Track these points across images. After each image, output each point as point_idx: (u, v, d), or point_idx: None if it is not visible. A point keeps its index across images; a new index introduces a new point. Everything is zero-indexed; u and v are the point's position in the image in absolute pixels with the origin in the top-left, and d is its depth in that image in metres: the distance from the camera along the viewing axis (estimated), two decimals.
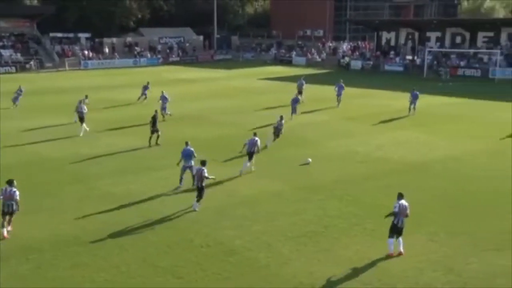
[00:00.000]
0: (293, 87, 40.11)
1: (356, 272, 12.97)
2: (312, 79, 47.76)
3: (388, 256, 13.66)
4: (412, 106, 33.04)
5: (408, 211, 13.77)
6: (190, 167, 18.89)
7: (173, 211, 16.85)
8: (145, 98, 38.37)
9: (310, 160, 22.61)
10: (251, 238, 14.92)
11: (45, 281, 12.61)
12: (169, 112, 31.92)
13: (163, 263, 13.44)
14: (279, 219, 16.30)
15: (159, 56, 74.57)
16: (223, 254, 13.92)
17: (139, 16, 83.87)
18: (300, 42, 79.98)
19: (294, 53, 74.10)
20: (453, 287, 12.27)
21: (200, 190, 16.95)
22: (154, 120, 25.25)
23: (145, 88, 38.86)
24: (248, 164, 20.97)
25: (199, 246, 14.35)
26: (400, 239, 13.82)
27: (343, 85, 37.06)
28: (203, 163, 17.10)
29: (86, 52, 70.44)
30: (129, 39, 78.38)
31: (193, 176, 17.02)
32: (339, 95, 36.43)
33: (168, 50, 77.13)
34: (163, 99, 32.44)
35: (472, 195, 18.37)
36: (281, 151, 24.46)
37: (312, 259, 13.67)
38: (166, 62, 73.03)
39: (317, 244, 14.49)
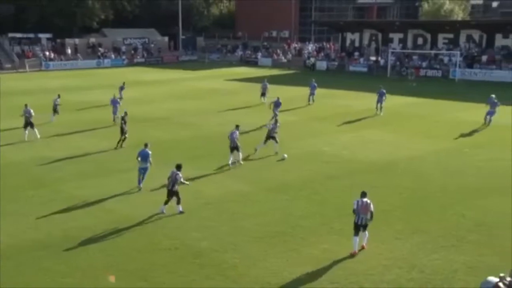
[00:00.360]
0: (259, 88, 40.22)
1: (323, 271, 13.10)
2: (278, 80, 48.06)
3: (352, 255, 13.84)
4: (379, 105, 33.66)
5: (370, 209, 13.83)
6: (145, 170, 19.05)
7: (139, 214, 16.71)
8: (121, 99, 37.94)
9: (286, 156, 23.03)
10: (218, 239, 14.92)
11: (10, 287, 12.35)
12: (119, 116, 29.73)
13: (130, 266, 13.32)
14: (246, 219, 16.34)
15: (123, 57, 73.72)
16: (190, 256, 13.87)
17: (102, 16, 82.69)
18: (265, 43, 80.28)
19: (260, 54, 74.35)
20: (416, 284, 12.51)
21: (172, 194, 16.64)
22: (123, 122, 25.22)
23: (121, 88, 38.76)
24: (232, 157, 22.01)
25: (166, 249, 14.28)
26: (366, 232, 14.05)
27: (316, 84, 38.13)
28: (178, 167, 16.83)
29: (47, 53, 69.01)
30: (92, 40, 77.20)
31: (168, 178, 16.81)
32: (312, 94, 37.59)
33: (132, 51, 76.30)
34: (114, 102, 31.18)
35: (434, 193, 18.78)
36: (247, 152, 24.49)
37: (280, 259, 13.75)
38: (131, 63, 72.26)
39: (284, 244, 14.58)
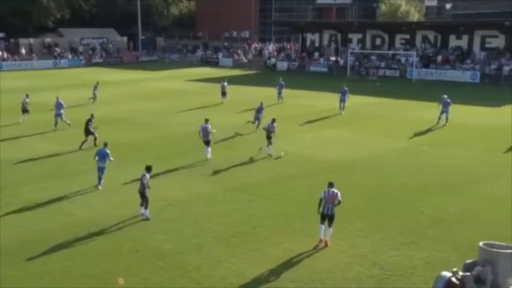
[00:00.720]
0: (219, 88, 40.20)
1: (285, 270, 13.17)
2: (240, 81, 48.10)
3: (320, 242, 14.24)
4: (342, 104, 34.17)
5: (338, 198, 14.21)
6: (103, 168, 19.06)
7: (100, 217, 16.44)
8: (94, 98, 38.04)
9: (283, 153, 23.40)
10: (181, 241, 14.82)
11: None
12: (67, 121, 29.16)
13: (91, 271, 13.08)
14: (209, 220, 16.29)
15: (81, 57, 72.36)
16: (153, 259, 13.73)
17: (58, 16, 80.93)
18: (226, 44, 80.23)
19: (220, 54, 74.22)
20: (376, 281, 12.72)
21: (142, 197, 16.32)
22: (87, 124, 24.99)
23: (95, 88, 38.38)
24: (209, 151, 22.71)
25: (128, 252, 14.08)
26: (330, 229, 14.34)
27: (283, 83, 38.91)
28: (147, 169, 16.47)
29: (0, 53, 67.08)
30: (48, 39, 75.44)
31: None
32: (280, 93, 38.37)
33: (90, 52, 75.01)
34: (58, 105, 29.52)
35: (393, 191, 19.14)
36: (210, 152, 24.42)
37: (242, 259, 13.76)
38: (89, 63, 71.00)
39: (247, 244, 14.60)
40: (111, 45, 78.89)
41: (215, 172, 21.48)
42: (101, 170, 19.10)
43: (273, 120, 23.92)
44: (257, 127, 27.45)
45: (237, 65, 68.33)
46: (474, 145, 25.61)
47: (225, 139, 26.79)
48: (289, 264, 13.51)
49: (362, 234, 15.27)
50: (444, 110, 30.22)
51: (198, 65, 70.85)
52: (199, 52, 77.69)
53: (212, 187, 19.55)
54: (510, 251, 9.83)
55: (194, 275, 12.94)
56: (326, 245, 14.35)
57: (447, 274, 10.00)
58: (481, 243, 10.10)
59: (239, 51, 73.85)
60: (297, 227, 15.76)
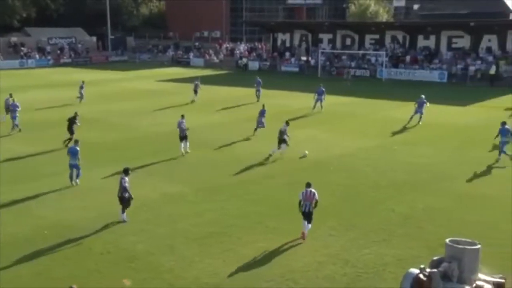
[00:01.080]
0: (191, 88, 40.05)
1: (259, 270, 13.19)
2: (212, 81, 47.91)
3: (302, 234, 14.82)
4: (319, 103, 34.64)
5: (315, 197, 14.82)
6: (76, 166, 19.24)
7: (70, 219, 16.19)
8: (81, 98, 38.00)
9: (307, 152, 23.43)
10: (154, 242, 14.70)
11: None
12: (17, 125, 28.22)
13: (61, 273, 12.85)
14: (181, 221, 16.19)
15: (49, 57, 71.00)
16: (125, 260, 13.58)
17: (24, 15, 79.26)
18: (197, 43, 79.86)
19: (191, 54, 73.80)
20: (349, 279, 12.84)
21: (122, 200, 15.95)
22: (70, 123, 25.32)
23: (81, 87, 38.25)
24: (182, 146, 23.48)
25: (98, 254, 13.89)
26: (309, 225, 14.83)
27: (260, 80, 39.36)
28: (125, 171, 16.18)
29: None
30: (13, 39, 73.82)
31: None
32: (258, 91, 38.60)
33: (58, 51, 73.69)
34: (14, 106, 28.70)
35: (365, 189, 19.33)
36: (188, 147, 24.31)
37: (216, 259, 13.72)
38: (57, 63, 69.72)
39: (220, 245, 14.57)
40: (79, 45, 77.71)
41: (187, 173, 21.37)
42: (74, 167, 19.32)
43: (287, 123, 24.06)
44: (255, 130, 26.93)
45: (208, 65, 68.06)
46: (442, 144, 26.05)
47: (197, 138, 26.62)
48: (263, 263, 13.53)
49: (335, 233, 15.38)
50: (418, 111, 30.61)
51: (169, 65, 70.31)
52: (170, 52, 77.13)
53: (184, 188, 19.43)
54: (475, 247, 10.01)
55: (167, 276, 12.85)
56: (303, 235, 14.86)
57: (415, 271, 10.13)
58: (447, 240, 10.28)
59: (210, 51, 73.59)
60: (271, 226, 15.79)
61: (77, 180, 19.50)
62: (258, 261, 13.64)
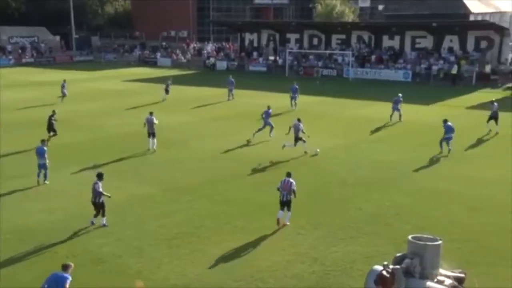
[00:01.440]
0: (159, 88, 39.79)
1: (228, 270, 13.18)
2: (179, 81, 47.60)
3: (277, 222, 15.59)
4: (293, 101, 35.30)
5: (293, 187, 15.56)
6: (44, 166, 19.19)
7: (34, 222, 15.86)
8: (63, 97, 37.70)
9: (318, 150, 23.70)
10: (121, 244, 14.53)
11: None
12: None
13: (25, 278, 12.58)
14: (149, 222, 16.05)
15: (10, 57, 69.31)
16: (92, 263, 13.41)
17: None
18: (164, 43, 79.15)
19: (158, 54, 73.13)
20: (317, 277, 12.94)
21: (95, 205, 15.55)
22: (50, 121, 25.47)
23: (63, 86, 38.06)
24: (150, 142, 24.02)
25: (64, 257, 13.58)
26: (289, 213, 15.65)
27: (233, 80, 39.64)
28: (99, 176, 15.79)
29: None
30: None
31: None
32: (230, 90, 39.12)
33: (20, 51, 72.01)
34: None
35: (334, 188, 19.52)
36: (148, 153, 24.09)
37: (185, 260, 13.65)
38: (19, 63, 68.12)
39: (189, 245, 14.49)
40: (42, 45, 76.09)
41: (155, 173, 21.19)
42: (42, 167, 19.25)
43: (299, 120, 24.23)
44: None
45: (175, 65, 67.55)
46: (408, 142, 26.51)
47: (165, 138, 26.41)
48: (232, 263, 13.53)
49: (303, 231, 15.47)
50: (394, 108, 31.10)
51: (135, 65, 69.49)
52: (137, 52, 76.24)
53: (152, 188, 19.26)
54: (436, 243, 10.19)
55: (135, 279, 12.70)
56: (284, 225, 15.58)
57: (378, 267, 10.27)
58: (409, 237, 10.46)
59: (178, 51, 73.05)
60: (239, 226, 15.80)
61: (46, 181, 19.34)
62: (227, 261, 13.62)
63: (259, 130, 26.72)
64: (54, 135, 25.40)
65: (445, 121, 24.21)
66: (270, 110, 27.65)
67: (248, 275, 12.94)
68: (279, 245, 14.53)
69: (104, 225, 15.64)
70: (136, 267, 13.28)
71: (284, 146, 23.95)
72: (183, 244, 14.58)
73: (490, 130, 28.01)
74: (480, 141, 26.32)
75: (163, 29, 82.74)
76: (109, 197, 15.75)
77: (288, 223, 15.72)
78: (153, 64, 69.62)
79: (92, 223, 15.72)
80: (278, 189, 15.79)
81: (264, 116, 27.42)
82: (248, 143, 26.02)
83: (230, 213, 16.86)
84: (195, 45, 77.71)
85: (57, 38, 79.60)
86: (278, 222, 15.68)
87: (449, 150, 23.64)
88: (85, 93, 43.34)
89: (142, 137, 25.04)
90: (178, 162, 22.74)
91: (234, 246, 14.46)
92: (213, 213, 16.91)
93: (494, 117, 28.01)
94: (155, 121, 24.30)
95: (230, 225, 15.90)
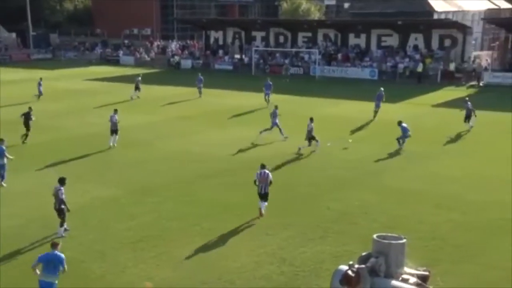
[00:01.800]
0: (123, 87, 39.08)
1: (195, 272, 12.95)
2: (143, 79, 46.58)
3: (260, 214, 16.03)
4: (267, 98, 35.60)
5: (270, 178, 16.10)
6: (2, 165, 18.78)
7: None
8: (39, 95, 37.24)
9: (350, 140, 24.86)
10: (84, 248, 14.10)
11: None
12: None
13: None
14: (113, 226, 15.63)
15: None
16: None
17: None
18: (127, 41, 77.76)
19: (121, 52, 71.83)
20: (286, 278, 12.81)
21: (60, 213, 14.82)
22: (26, 118, 25.48)
23: (39, 84, 37.54)
24: (112, 139, 24.22)
25: (22, 263, 13.08)
26: (265, 203, 16.10)
27: (202, 77, 39.82)
28: (61, 181, 14.99)
29: None
30: None
31: (53, 196, 15.05)
32: (199, 87, 39.47)
33: None
34: None
35: (302, 187, 19.40)
36: (112, 153, 23.55)
37: (150, 264, 13.35)
38: None
39: (155, 248, 14.18)
40: None
41: (119, 174, 20.72)
42: (1, 167, 18.77)
43: (311, 119, 24.18)
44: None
45: (139, 63, 66.39)
46: (375, 140, 26.54)
47: (129, 138, 25.88)
48: (199, 266, 13.30)
49: (272, 232, 15.31)
50: (377, 104, 31.41)
51: (97, 63, 67.97)
52: (98, 50, 74.68)
53: (116, 190, 18.79)
54: (400, 241, 10.25)
55: (98, 284, 12.37)
56: (261, 215, 16.02)
57: (343, 267, 10.27)
58: (374, 236, 10.49)
59: (141, 49, 71.88)
60: (206, 227, 15.54)
61: (3, 183, 18.74)
62: (193, 264, 13.38)
63: (266, 130, 26.30)
64: (26, 134, 25.49)
65: (400, 122, 24.71)
66: (277, 110, 27.03)
67: (215, 277, 12.74)
68: (248, 246, 14.35)
69: (61, 236, 14.81)
70: (100, 271, 12.91)
71: (299, 149, 23.95)
72: (149, 247, 14.25)
73: (471, 127, 28.30)
74: (446, 139, 26.54)
75: (125, 26, 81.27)
76: (68, 211, 14.97)
77: (263, 212, 16.14)
78: (116, 62, 68.31)
79: (62, 234, 14.92)
80: (255, 182, 16.12)
81: (271, 116, 26.67)
82: (260, 143, 25.63)
83: (197, 215, 16.57)
84: (159, 43, 76.67)
85: (13, 35, 77.08)
86: (260, 213, 16.07)
87: (401, 148, 24.19)
88: (45, 92, 41.90)
89: (106, 138, 24.49)
90: (143, 163, 22.29)
91: (201, 248, 14.23)
92: (180, 214, 16.60)
93: (468, 115, 28.45)
94: (116, 119, 24.53)
95: (198, 227, 15.63)
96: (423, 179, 20.25)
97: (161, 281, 12.52)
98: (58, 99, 38.94)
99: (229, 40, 65.59)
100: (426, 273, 10.37)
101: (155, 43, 75.92)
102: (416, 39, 53.76)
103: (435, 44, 52.85)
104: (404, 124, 24.54)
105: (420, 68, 49.09)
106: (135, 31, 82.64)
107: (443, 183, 19.72)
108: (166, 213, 16.67)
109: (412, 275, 10.16)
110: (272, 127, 26.41)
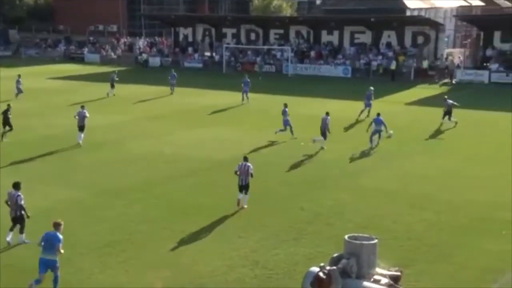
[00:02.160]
0: (89, 85, 38.12)
1: (165, 277, 12.57)
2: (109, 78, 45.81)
3: (238, 205, 16.41)
4: (245, 95, 35.70)
5: (250, 171, 16.46)
6: None
7: None
8: (18, 93, 36.63)
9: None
10: None
11: None
12: None
13: None
14: (79, 230, 14.98)
15: None
16: (14, 276, 12.41)
17: None
18: (92, 38, 76.02)
19: (86, 49, 70.29)
20: (259, 280, 12.55)
21: (17, 220, 14.00)
22: (5, 115, 25.12)
23: (18, 82, 36.78)
24: (81, 136, 23.94)
25: None
26: (247, 196, 16.51)
27: (175, 74, 40.37)
28: (16, 186, 14.10)
29: None
30: None
31: (7, 202, 14.27)
32: (172, 84, 39.96)
33: None
34: None
35: (275, 188, 19.07)
36: (78, 154, 22.83)
37: (118, 269, 12.92)
38: None
39: (123, 253, 13.72)
40: None
41: (84, 176, 20.06)
42: None
43: (327, 114, 24.38)
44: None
45: (105, 61, 64.98)
46: (350, 139, 26.40)
47: (94, 139, 25.15)
48: (170, 270, 12.93)
49: (244, 234, 14.97)
50: (366, 104, 31.17)
51: (60, 61, 66.05)
52: (61, 47, 72.80)
53: (82, 193, 18.17)
54: (372, 242, 10.24)
55: None
56: (242, 208, 16.38)
57: (315, 269, 10.21)
58: (346, 236, 10.48)
59: (107, 47, 70.43)
60: (177, 230, 15.13)
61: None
62: (164, 268, 12.98)
63: (281, 130, 25.96)
64: (9, 130, 25.19)
65: (378, 114, 24.79)
66: (287, 109, 26.56)
67: (187, 281, 12.42)
68: (220, 249, 14.02)
69: (24, 242, 14.14)
70: (64, 278, 12.30)
71: (314, 141, 24.04)
72: (116, 252, 13.80)
73: (441, 124, 28.52)
74: (420, 138, 26.52)
75: (90, 22, 79.33)
76: (28, 217, 14.25)
77: (245, 206, 16.48)
78: (80, 60, 66.73)
79: (9, 244, 14.11)
80: (236, 173, 16.52)
81: (283, 115, 26.37)
82: (272, 143, 25.30)
83: (167, 217, 16.15)
84: (125, 40, 75.22)
85: None
86: (238, 203, 16.44)
87: (377, 144, 24.18)
88: (5, 92, 40.38)
89: (70, 138, 23.76)
90: (110, 164, 21.67)
91: (171, 252, 13.87)
92: (149, 217, 16.13)
93: (448, 112, 28.58)
94: (87, 114, 24.35)
95: (168, 230, 15.20)
96: (398, 178, 20.17)
97: (130, 287, 12.12)
98: (21, 99, 37.59)
99: (199, 37, 64.81)
100: (398, 273, 10.40)
101: (122, 40, 74.42)
102: (389, 36, 53.90)
103: (408, 41, 53.11)
104: (380, 117, 24.32)
105: (393, 66, 49.28)
106: (101, 27, 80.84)
107: (417, 182, 19.66)
108: (135, 216, 16.18)
109: (384, 275, 10.20)
110: (285, 127, 26.09)
